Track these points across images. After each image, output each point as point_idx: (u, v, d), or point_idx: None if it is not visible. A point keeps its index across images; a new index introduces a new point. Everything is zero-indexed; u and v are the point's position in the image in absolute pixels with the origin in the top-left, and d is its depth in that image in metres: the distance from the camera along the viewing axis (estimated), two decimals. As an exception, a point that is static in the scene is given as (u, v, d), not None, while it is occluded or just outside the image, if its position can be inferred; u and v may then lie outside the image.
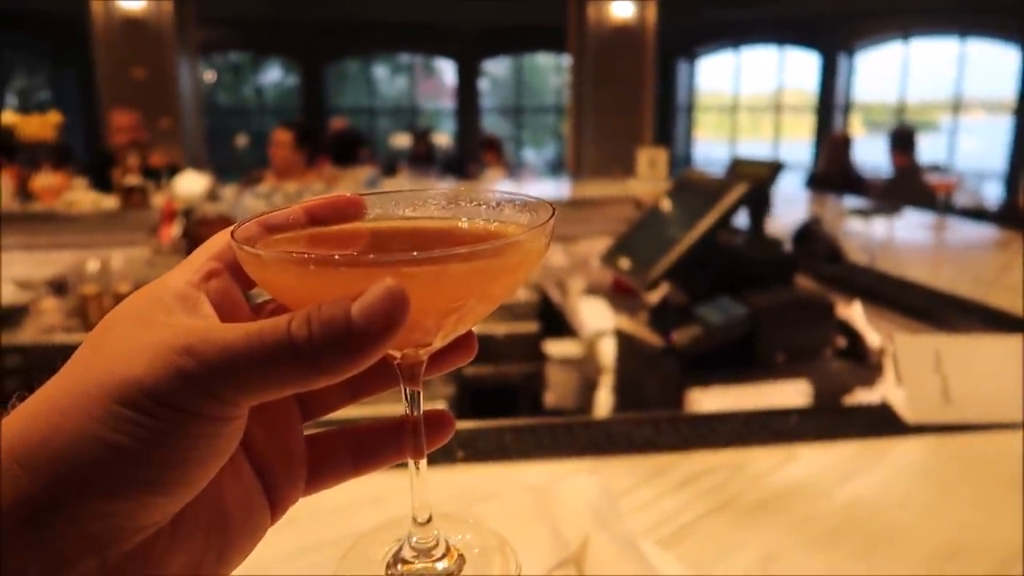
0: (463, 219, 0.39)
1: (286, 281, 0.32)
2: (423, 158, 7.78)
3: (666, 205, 2.11)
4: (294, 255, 0.32)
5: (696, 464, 0.84)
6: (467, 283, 0.32)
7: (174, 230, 2.83)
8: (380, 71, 13.46)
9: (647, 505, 0.74)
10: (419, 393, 0.39)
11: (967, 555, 0.69)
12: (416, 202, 0.40)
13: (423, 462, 0.40)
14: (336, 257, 0.31)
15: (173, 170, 4.32)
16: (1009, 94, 9.57)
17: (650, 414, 0.97)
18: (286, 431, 0.37)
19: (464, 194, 0.40)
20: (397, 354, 0.37)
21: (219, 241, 0.35)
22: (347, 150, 5.50)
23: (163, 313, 0.30)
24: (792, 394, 1.75)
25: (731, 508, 0.75)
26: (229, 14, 10.04)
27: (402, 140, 11.46)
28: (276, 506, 0.36)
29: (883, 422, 0.95)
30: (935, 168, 4.02)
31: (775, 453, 0.87)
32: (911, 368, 0.97)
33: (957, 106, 10.24)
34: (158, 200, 3.42)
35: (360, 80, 13.13)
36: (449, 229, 0.39)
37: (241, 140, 12.78)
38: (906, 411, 0.94)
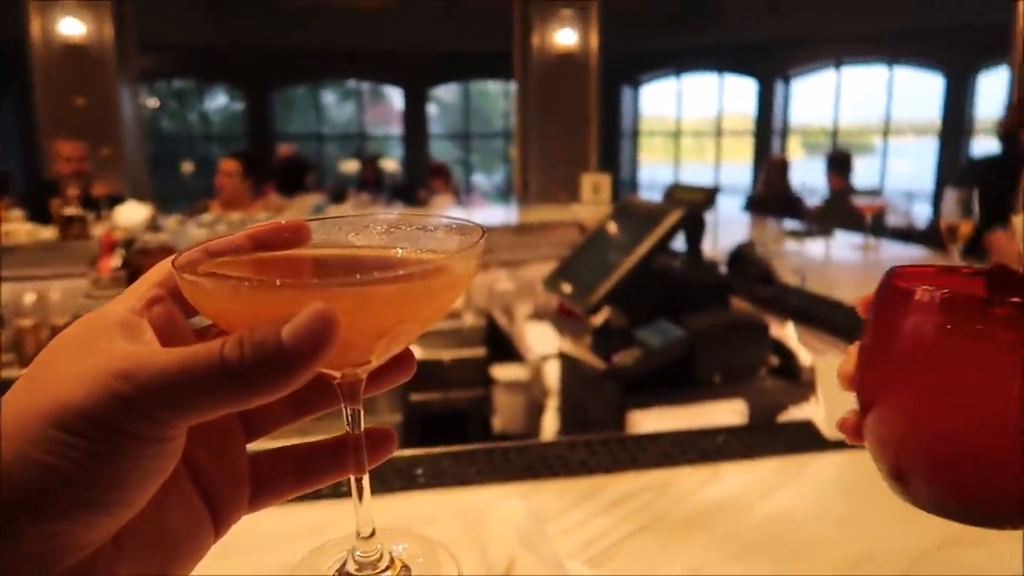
0: (403, 245, 0.41)
1: (223, 306, 0.34)
2: (372, 184, 7.78)
3: (606, 230, 2.16)
4: (228, 281, 0.33)
5: (626, 485, 0.87)
6: (396, 305, 0.34)
7: (114, 261, 2.78)
8: (328, 97, 13.42)
9: (578, 526, 0.76)
10: (359, 411, 0.40)
11: (875, 561, 0.73)
12: (358, 228, 0.42)
13: (365, 478, 0.41)
14: (268, 282, 0.33)
15: (114, 200, 4.24)
16: (935, 118, 10.02)
17: (583, 437, 1.00)
18: (229, 450, 0.38)
19: (404, 220, 0.42)
20: (336, 373, 0.38)
21: (163, 268, 0.36)
22: (294, 177, 5.46)
23: (104, 340, 0.31)
24: (728, 413, 1.80)
25: (657, 526, 0.78)
26: (172, 40, 9.93)
27: (351, 166, 11.43)
28: (220, 523, 0.37)
29: (805, 438, 1.00)
30: (870, 192, 4.20)
31: (701, 472, 0.91)
32: (829, 386, 1.02)
33: (887, 130, 10.67)
34: (98, 231, 3.36)
35: (308, 106, 13.07)
36: (387, 256, 0.41)
37: (187, 167, 12.58)
38: (824, 427, 0.99)
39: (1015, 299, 0.34)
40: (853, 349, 0.40)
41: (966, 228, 2.06)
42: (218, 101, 13.19)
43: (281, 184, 5.38)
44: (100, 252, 2.85)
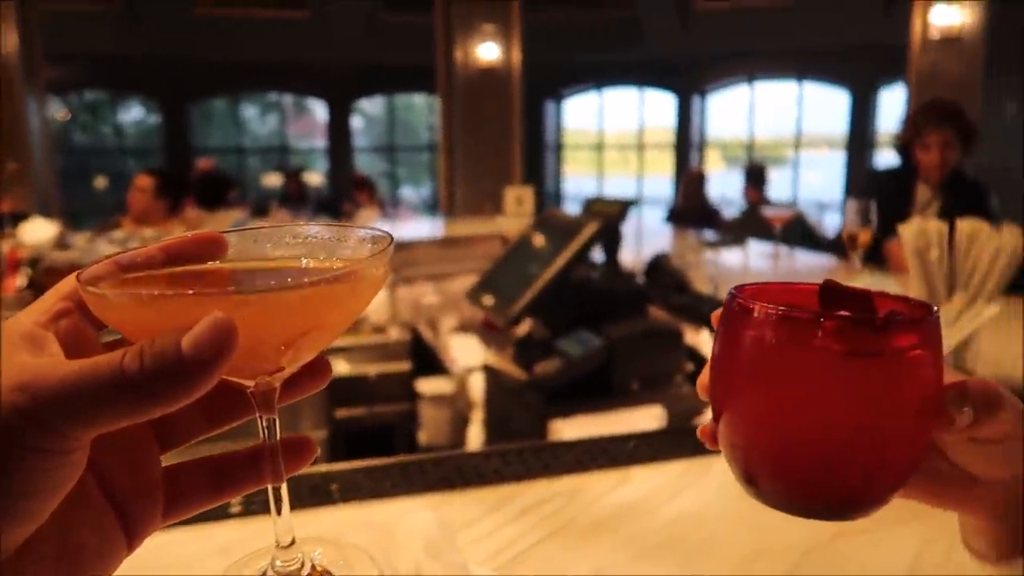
0: (318, 255, 0.42)
1: (128, 318, 0.34)
2: (295, 198, 7.65)
3: (526, 243, 2.20)
4: (130, 293, 0.34)
5: (538, 492, 0.89)
6: (300, 312, 0.35)
7: (19, 281, 2.66)
8: (249, 110, 13.15)
9: (488, 535, 0.78)
10: (275, 420, 0.41)
11: (772, 555, 0.77)
12: (275, 240, 0.42)
13: (283, 487, 0.42)
14: (167, 293, 0.33)
15: (18, 217, 4.06)
16: (843, 131, 10.52)
17: (498, 447, 1.02)
18: (141, 461, 0.38)
19: (318, 231, 0.43)
20: (250, 383, 0.39)
21: (71, 281, 0.36)
22: (216, 192, 5.33)
23: (8, 352, 0.31)
24: (647, 419, 1.85)
25: (566, 531, 0.80)
26: (82, 51, 9.57)
27: (273, 180, 11.23)
28: (132, 535, 0.36)
29: (710, 441, 1.04)
30: (784, 205, 4.41)
31: (612, 477, 0.94)
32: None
33: (799, 143, 11.13)
34: (2, 248, 3.21)
35: (227, 119, 12.77)
36: (301, 266, 0.42)
37: (100, 182, 12.10)
38: (728, 430, 1.03)
39: (843, 313, 0.37)
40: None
41: (865, 237, 2.18)
42: (133, 113, 12.76)
43: (201, 199, 5.25)
44: (4, 271, 2.73)
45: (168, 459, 0.40)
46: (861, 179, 9.34)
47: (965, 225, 1.23)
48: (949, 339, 1.18)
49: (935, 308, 0.39)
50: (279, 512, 0.42)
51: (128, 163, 11.75)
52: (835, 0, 8.75)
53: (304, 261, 0.42)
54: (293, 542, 0.43)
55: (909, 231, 1.27)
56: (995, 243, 1.20)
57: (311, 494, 0.88)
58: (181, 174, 5.20)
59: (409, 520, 0.66)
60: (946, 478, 0.43)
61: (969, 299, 1.20)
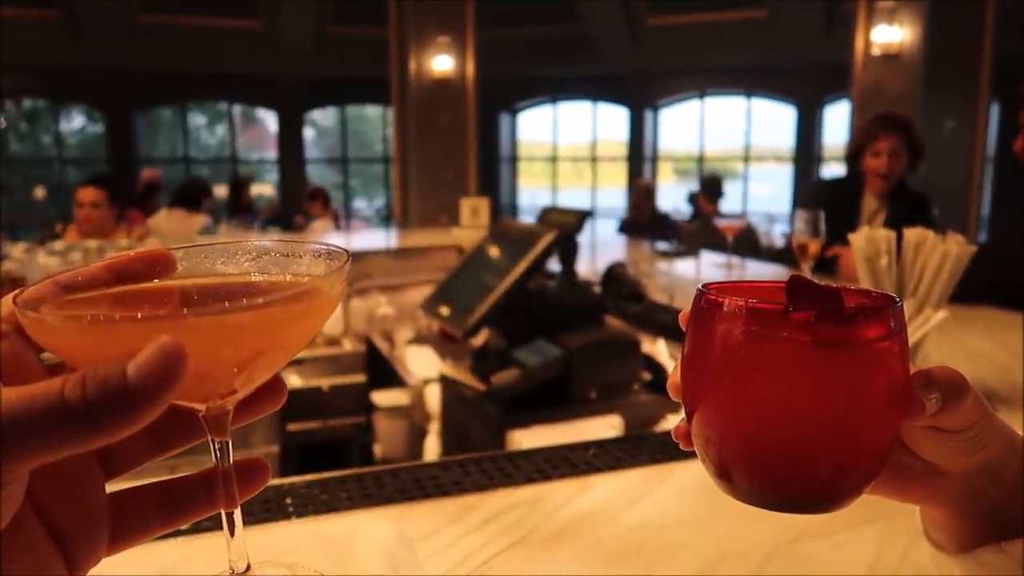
0: (271, 271, 0.40)
1: (69, 344, 0.32)
2: (244, 210, 7.53)
3: (482, 253, 2.19)
4: (72, 317, 0.32)
5: (499, 502, 0.87)
6: (253, 334, 0.33)
7: (-48, 294, 2.55)
8: (197, 119, 12.92)
9: (449, 546, 0.76)
10: (228, 443, 0.39)
11: (733, 559, 0.77)
12: (226, 255, 0.41)
13: (237, 512, 0.40)
14: (111, 317, 0.31)
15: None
16: (790, 145, 10.80)
17: (457, 457, 1.00)
18: (83, 489, 0.36)
19: (272, 246, 0.41)
20: (201, 406, 0.37)
21: (8, 303, 0.34)
22: (192, 198, 5.24)
23: None
24: (605, 428, 1.85)
25: (528, 541, 0.79)
26: (18, 58, 9.28)
27: (221, 191, 11.04)
28: (75, 566, 0.35)
29: (670, 448, 1.04)
30: (733, 215, 4.53)
31: (572, 485, 0.93)
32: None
33: (748, 156, 11.38)
34: (-67, 261, 3.07)
35: (174, 128, 12.52)
36: (255, 283, 0.40)
37: (39, 192, 11.74)
38: (687, 436, 1.03)
39: (809, 306, 0.37)
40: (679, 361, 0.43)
41: (814, 246, 2.22)
42: (75, 122, 12.43)
43: (177, 203, 5.17)
44: (-64, 284, 2.61)
45: (116, 485, 0.38)
46: (807, 188, 9.59)
47: (912, 234, 1.26)
48: (899, 344, 1.20)
49: (898, 299, 0.39)
50: (232, 536, 0.40)
51: (69, 174, 11.43)
52: (781, 18, 8.98)
53: (257, 278, 0.40)
54: (248, 568, 0.41)
55: (859, 239, 1.30)
56: (940, 251, 1.23)
57: (264, 509, 0.85)
58: (123, 181, 5.08)
59: (367, 533, 0.64)
60: (908, 471, 0.43)
61: (918, 305, 1.23)
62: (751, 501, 0.40)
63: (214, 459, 0.39)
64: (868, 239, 1.28)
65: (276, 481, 0.93)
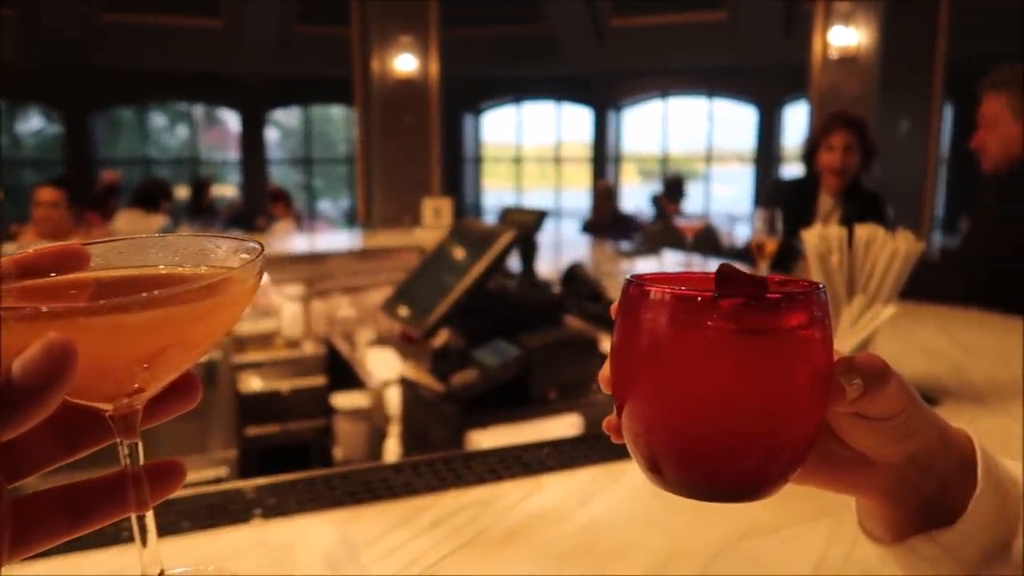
0: (187, 265, 0.39)
1: None
2: (205, 210, 7.41)
3: (442, 253, 2.17)
4: None
5: (450, 503, 0.86)
6: (151, 330, 0.32)
7: None
8: (157, 120, 12.68)
9: (396, 549, 0.75)
10: (137, 444, 0.38)
11: (682, 556, 0.77)
12: (142, 249, 0.40)
13: (149, 515, 0.39)
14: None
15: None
16: (751, 146, 10.94)
17: (409, 459, 0.99)
18: None
19: (188, 240, 0.40)
20: (107, 406, 0.36)
21: None
22: (151, 198, 5.15)
23: None
24: (564, 427, 1.85)
25: (478, 542, 0.78)
26: (-28, 56, 9.04)
27: (182, 192, 10.86)
28: None
29: (622, 447, 1.04)
30: (694, 216, 4.58)
31: (524, 485, 0.92)
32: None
33: (710, 157, 11.51)
34: None
35: (134, 129, 12.28)
36: (158, 276, 0.39)
37: (-5, 194, 11.42)
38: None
39: (737, 293, 0.37)
40: None
41: (772, 245, 2.25)
42: (32, 123, 12.12)
43: (137, 203, 5.08)
44: None
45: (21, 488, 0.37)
46: (766, 187, 9.72)
47: (863, 231, 1.28)
48: (851, 339, 1.22)
49: (821, 285, 0.39)
50: (144, 543, 0.39)
51: (26, 175, 11.14)
52: (741, 20, 9.09)
53: (165, 272, 0.39)
54: (161, 574, 0.39)
55: (812, 236, 1.31)
56: (890, 247, 1.25)
57: (208, 515, 0.83)
58: (82, 183, 4.98)
59: (309, 538, 0.63)
60: (841, 462, 0.43)
61: (868, 301, 1.24)
62: (681, 492, 0.40)
63: (123, 461, 0.38)
64: (820, 236, 1.30)
65: (223, 486, 0.91)
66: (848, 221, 2.65)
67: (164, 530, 0.78)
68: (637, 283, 0.39)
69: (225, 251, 0.39)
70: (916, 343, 1.65)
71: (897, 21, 6.48)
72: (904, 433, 0.41)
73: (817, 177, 2.87)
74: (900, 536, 0.44)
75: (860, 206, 2.76)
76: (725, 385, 0.37)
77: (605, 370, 0.42)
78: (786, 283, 0.41)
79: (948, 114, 7.90)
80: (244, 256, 0.38)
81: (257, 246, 0.38)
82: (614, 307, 0.41)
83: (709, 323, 0.37)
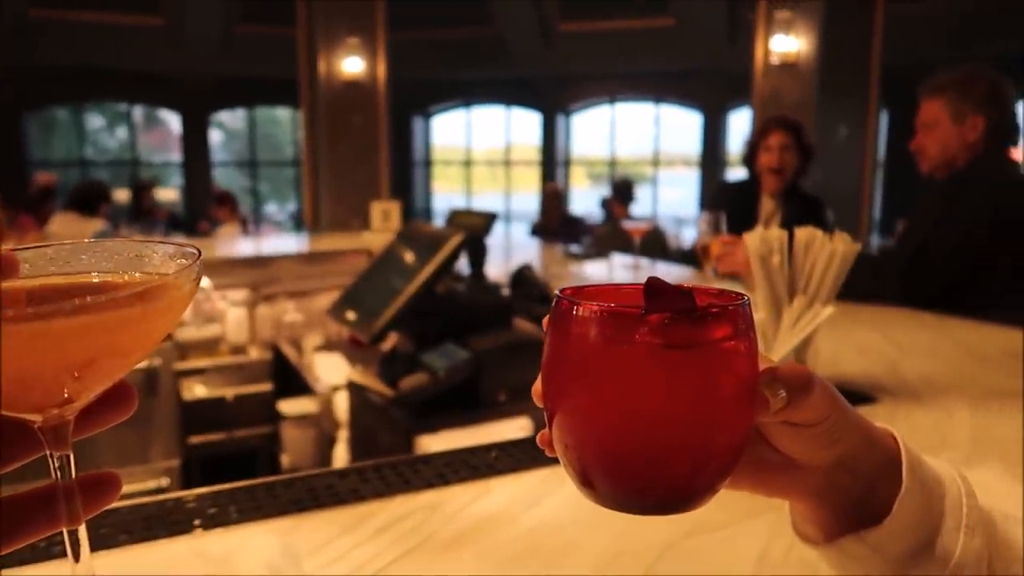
0: (123, 271, 0.38)
1: None
2: (145, 214, 7.22)
3: (390, 256, 2.15)
4: None
5: (395, 509, 0.86)
6: (80, 338, 0.31)
7: None
8: (95, 120, 12.31)
9: (340, 557, 0.74)
10: (69, 456, 0.37)
11: (629, 556, 0.77)
12: (74, 256, 0.39)
13: (82, 529, 0.38)
14: None
15: None
16: (696, 150, 11.14)
17: (355, 464, 0.97)
18: None
19: (123, 245, 0.39)
20: (36, 417, 0.35)
21: None
22: (89, 201, 4.98)
23: None
24: (515, 430, 1.85)
25: (424, 548, 0.77)
26: None
27: (123, 195, 10.55)
28: None
29: (571, 448, 1.04)
30: (641, 219, 4.65)
31: (472, 489, 0.92)
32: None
33: (657, 161, 11.67)
34: None
35: (70, 130, 11.89)
36: (89, 284, 0.38)
37: (-83, 197, 10.92)
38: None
39: (662, 308, 0.38)
40: None
41: (717, 247, 2.29)
42: (-42, 123, 11.64)
43: (74, 207, 4.90)
44: None
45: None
46: (712, 190, 9.90)
47: (802, 233, 1.31)
48: (792, 338, 1.24)
49: (746, 297, 0.40)
50: (77, 557, 0.38)
51: (-48, 177, 10.69)
52: (686, 27, 9.25)
53: (98, 279, 0.38)
54: None
55: (753, 239, 1.34)
56: (828, 249, 1.28)
57: (146, 527, 0.81)
58: (14, 186, 4.82)
59: (250, 548, 0.62)
60: (771, 466, 0.44)
61: (808, 301, 1.27)
62: (614, 506, 0.40)
63: (54, 475, 0.37)
64: (762, 239, 1.32)
65: (161, 496, 0.88)
66: (788, 223, 2.72)
67: (100, 543, 0.76)
68: (566, 298, 0.39)
69: (161, 256, 0.38)
70: (853, 342, 1.69)
71: (835, 30, 6.67)
72: (831, 438, 0.41)
73: (759, 180, 2.94)
74: (831, 537, 0.45)
75: (800, 209, 2.84)
76: (653, 399, 0.38)
77: (538, 384, 0.42)
78: (712, 295, 0.42)
79: (884, 119, 8.17)
80: (181, 262, 0.37)
81: (194, 251, 0.37)
82: (546, 319, 0.42)
83: (636, 338, 0.37)
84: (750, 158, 2.97)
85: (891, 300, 2.04)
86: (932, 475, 0.44)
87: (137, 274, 0.38)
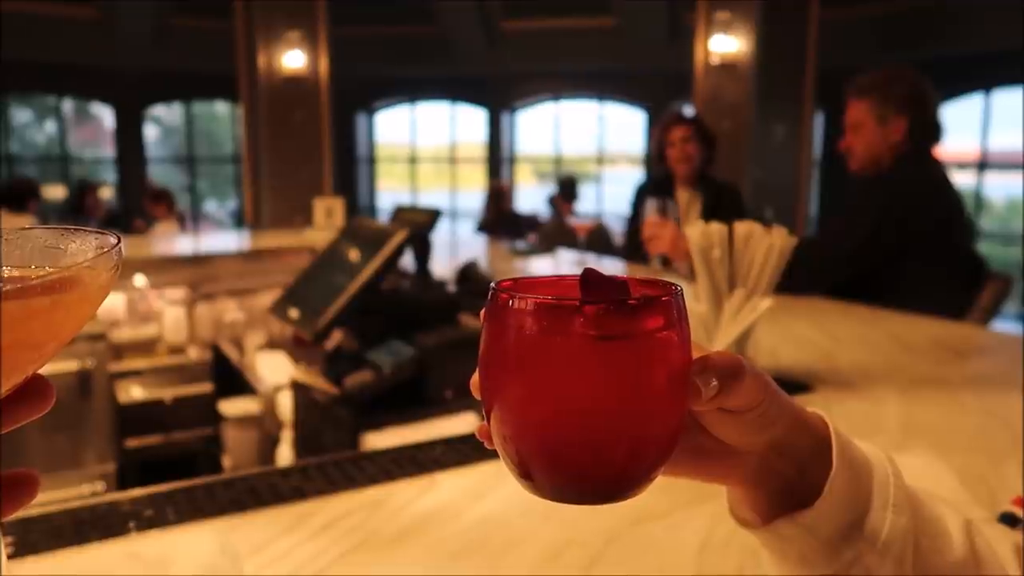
0: (35, 263, 0.36)
1: None
2: (90, 212, 6.98)
3: (334, 253, 2.12)
4: None
5: (339, 506, 0.84)
6: None
7: None
8: (21, 114, 11.81)
9: (282, 557, 0.72)
10: None
11: (577, 545, 0.78)
12: None
13: None
14: None
15: None
16: (640, 149, 11.28)
17: (298, 463, 0.96)
18: None
19: (38, 234, 0.37)
20: None
21: None
22: (18, 199, 4.78)
23: None
24: (462, 427, 1.85)
25: (368, 544, 0.76)
26: None
27: (57, 192, 10.17)
28: None
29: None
30: (586, 216, 4.70)
31: (417, 484, 0.91)
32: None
33: (601, 159, 11.78)
34: None
35: (-6, 124, 11.39)
36: (12, 276, 0.36)
37: None
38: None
39: (599, 299, 0.38)
40: None
41: (646, 230, 2.32)
42: None
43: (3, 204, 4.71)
44: None
45: None
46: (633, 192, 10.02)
47: (741, 227, 1.33)
48: (733, 329, 1.27)
49: (678, 288, 0.41)
50: None
51: None
52: (627, 26, 9.35)
53: (6, 272, 0.36)
54: None
55: (695, 233, 1.36)
56: (767, 242, 1.31)
57: (77, 531, 0.78)
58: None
59: (186, 550, 0.60)
60: (707, 452, 0.45)
61: (748, 293, 1.30)
62: (552, 496, 0.40)
63: None
64: (703, 233, 1.35)
65: (94, 499, 0.85)
66: (708, 208, 2.81)
67: (26, 549, 0.73)
68: (503, 290, 0.40)
69: (79, 246, 0.37)
70: (791, 335, 1.74)
71: (771, 33, 6.83)
72: (764, 423, 0.42)
73: (672, 174, 3.05)
74: (767, 520, 0.46)
75: (715, 194, 2.97)
76: (588, 389, 0.38)
77: (476, 377, 0.42)
78: (646, 285, 0.42)
79: (820, 120, 8.40)
80: (97, 251, 0.36)
81: (113, 239, 0.36)
82: (483, 313, 0.41)
83: (571, 329, 0.37)
84: (660, 155, 3.09)
85: (796, 287, 2.09)
86: (861, 457, 0.46)
87: (52, 265, 0.36)
